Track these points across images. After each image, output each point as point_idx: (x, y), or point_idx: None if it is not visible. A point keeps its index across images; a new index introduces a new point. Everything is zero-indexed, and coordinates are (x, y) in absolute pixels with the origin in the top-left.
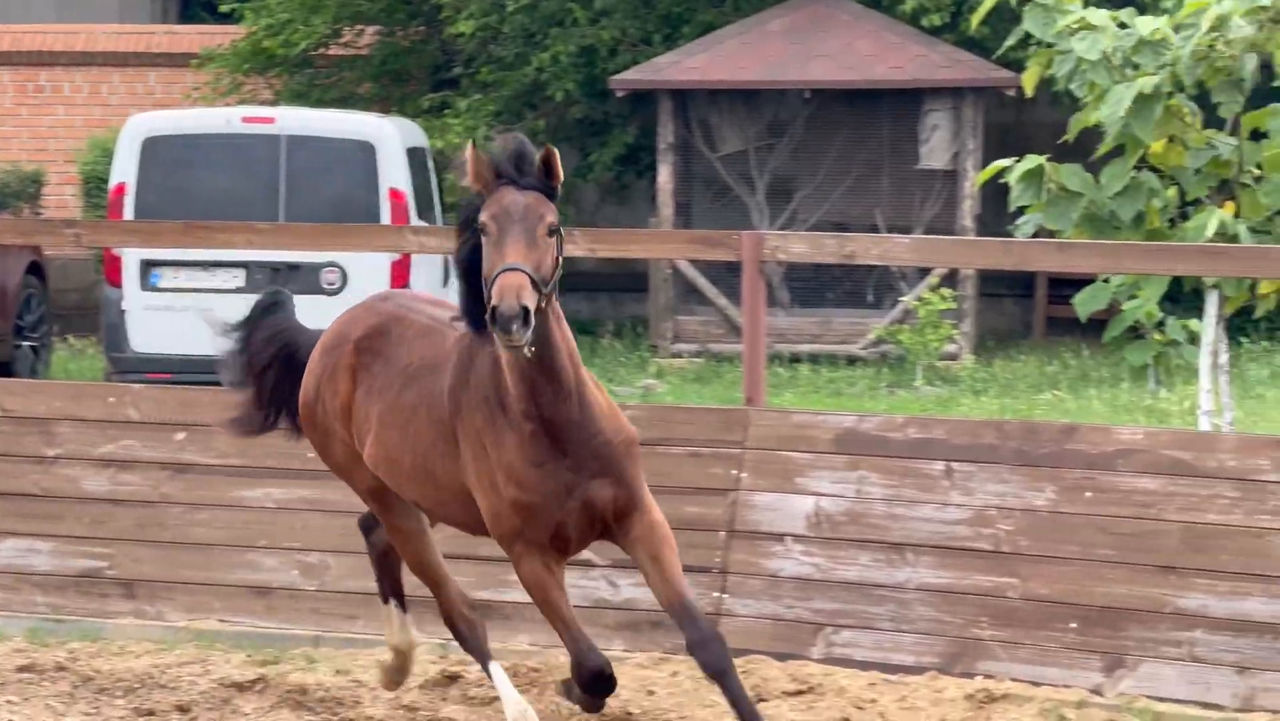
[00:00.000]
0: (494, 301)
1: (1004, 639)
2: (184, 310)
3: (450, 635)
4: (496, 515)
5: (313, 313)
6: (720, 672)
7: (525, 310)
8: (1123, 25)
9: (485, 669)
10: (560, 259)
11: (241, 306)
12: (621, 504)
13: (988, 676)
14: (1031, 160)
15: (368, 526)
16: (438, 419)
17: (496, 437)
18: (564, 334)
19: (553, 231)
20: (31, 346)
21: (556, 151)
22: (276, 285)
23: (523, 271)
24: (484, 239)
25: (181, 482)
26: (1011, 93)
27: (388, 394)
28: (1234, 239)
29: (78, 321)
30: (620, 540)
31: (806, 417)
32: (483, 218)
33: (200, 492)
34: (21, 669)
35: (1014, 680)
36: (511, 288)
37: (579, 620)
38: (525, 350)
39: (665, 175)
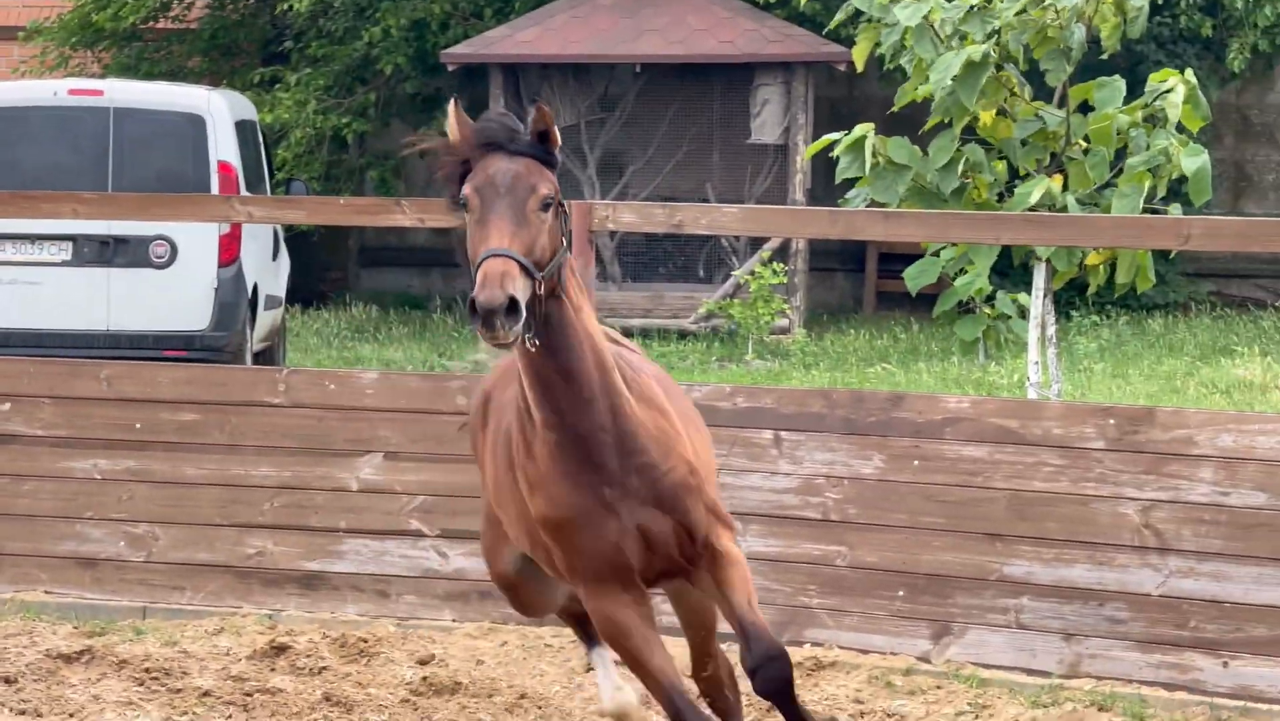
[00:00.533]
0: (474, 293)
1: (832, 607)
2: (9, 284)
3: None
4: (545, 548)
5: (141, 287)
6: (780, 697)
7: (511, 301)
8: None
9: (589, 654)
10: (565, 238)
11: (70, 279)
12: (683, 540)
13: (816, 644)
14: (857, 132)
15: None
16: (508, 456)
17: (526, 450)
18: (586, 328)
19: (547, 205)
20: None
21: (550, 111)
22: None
23: (508, 257)
24: (467, 216)
25: (6, 453)
26: (842, 67)
27: (494, 446)
28: (1063, 211)
29: None
30: (690, 579)
31: None
32: (465, 189)
33: (25, 463)
34: None
35: (842, 647)
36: (494, 276)
37: (674, 673)
38: (527, 344)
39: None
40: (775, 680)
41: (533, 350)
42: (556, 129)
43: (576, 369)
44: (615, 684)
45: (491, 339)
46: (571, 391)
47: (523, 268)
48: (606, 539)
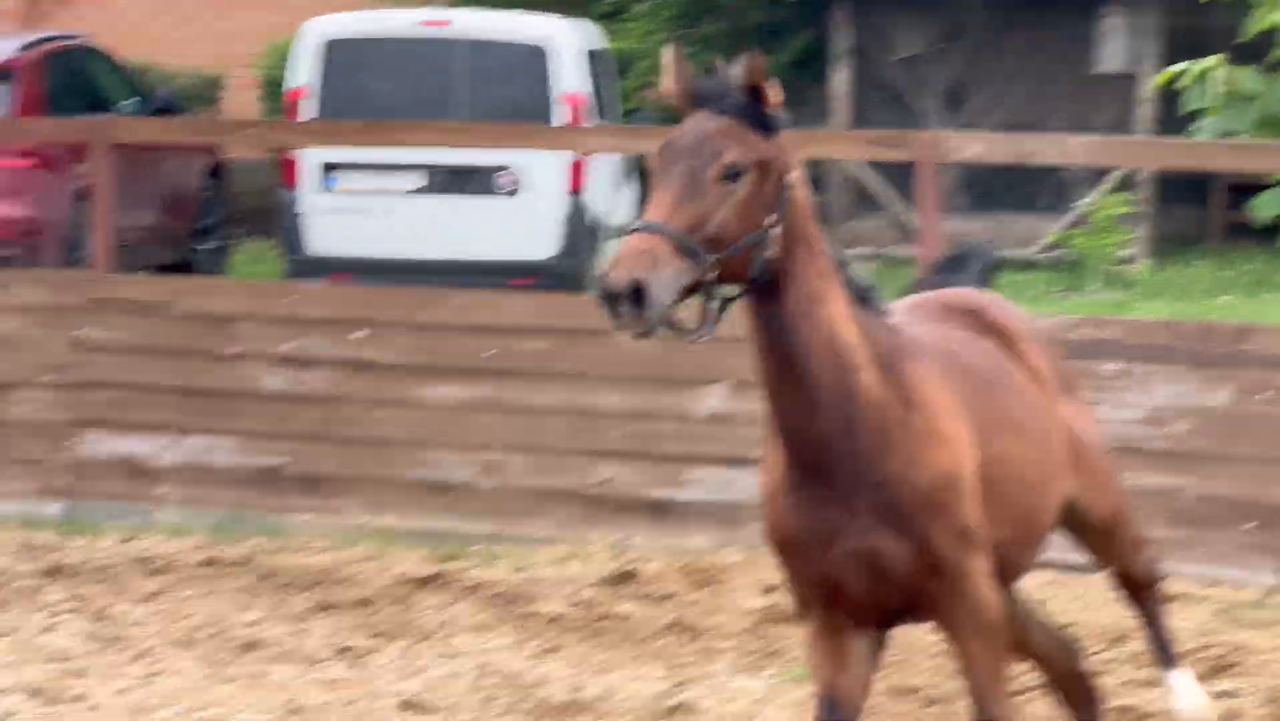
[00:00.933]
0: (603, 270)
1: (1179, 539)
2: (363, 213)
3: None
4: None
5: (490, 215)
6: None
7: (636, 287)
8: None
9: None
10: (780, 212)
11: (420, 208)
12: (914, 568)
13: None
14: (1205, 62)
15: None
16: None
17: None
18: (818, 322)
19: (734, 173)
20: (211, 248)
21: (761, 63)
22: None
23: (657, 233)
24: None
25: (361, 380)
26: None
27: None
28: None
29: (257, 225)
30: (926, 617)
31: None
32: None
33: (380, 390)
34: (204, 563)
35: (1188, 580)
36: (628, 255)
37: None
38: (699, 337)
39: (840, 80)
40: None
41: (703, 340)
42: (772, 86)
43: (800, 368)
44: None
45: (617, 326)
46: (794, 392)
47: (680, 248)
48: (820, 568)
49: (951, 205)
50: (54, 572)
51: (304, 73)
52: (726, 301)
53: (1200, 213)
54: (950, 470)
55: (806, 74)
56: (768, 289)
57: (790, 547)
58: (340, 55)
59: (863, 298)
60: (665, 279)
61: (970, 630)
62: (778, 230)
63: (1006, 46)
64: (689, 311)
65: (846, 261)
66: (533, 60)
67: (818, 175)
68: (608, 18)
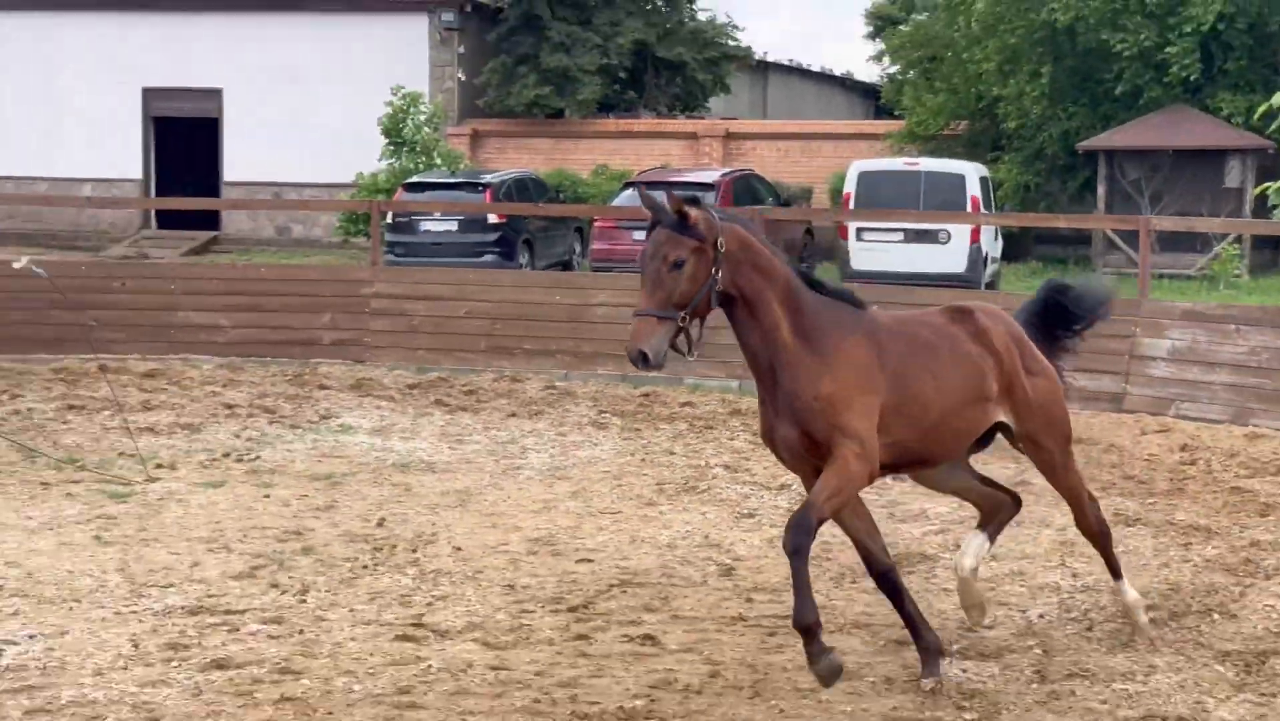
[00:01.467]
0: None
1: (1266, 409)
2: (876, 250)
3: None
4: None
5: (934, 253)
6: (789, 552)
7: (641, 354)
8: None
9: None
10: (717, 268)
11: (903, 249)
12: (808, 445)
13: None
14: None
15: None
16: None
17: None
18: (756, 315)
19: (678, 264)
20: (801, 271)
21: (679, 199)
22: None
23: (647, 316)
24: None
25: None
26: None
27: None
28: None
29: (829, 256)
30: None
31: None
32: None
33: None
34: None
35: (1269, 427)
36: (633, 334)
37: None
38: (688, 355)
39: (1101, 191)
40: (786, 538)
41: (691, 359)
42: (691, 209)
43: (746, 336)
44: (970, 556)
45: (643, 370)
46: (749, 349)
47: (661, 318)
48: (774, 442)
49: (1154, 250)
50: (734, 413)
51: (850, 186)
52: (702, 324)
53: (1275, 253)
54: (829, 393)
55: (1088, 189)
56: (730, 303)
57: (763, 435)
58: (867, 178)
59: (818, 289)
60: (655, 341)
61: (828, 466)
62: (720, 275)
63: (1180, 174)
64: (684, 340)
65: (800, 272)
66: (957, 182)
67: (1087, 233)
68: (992, 161)
